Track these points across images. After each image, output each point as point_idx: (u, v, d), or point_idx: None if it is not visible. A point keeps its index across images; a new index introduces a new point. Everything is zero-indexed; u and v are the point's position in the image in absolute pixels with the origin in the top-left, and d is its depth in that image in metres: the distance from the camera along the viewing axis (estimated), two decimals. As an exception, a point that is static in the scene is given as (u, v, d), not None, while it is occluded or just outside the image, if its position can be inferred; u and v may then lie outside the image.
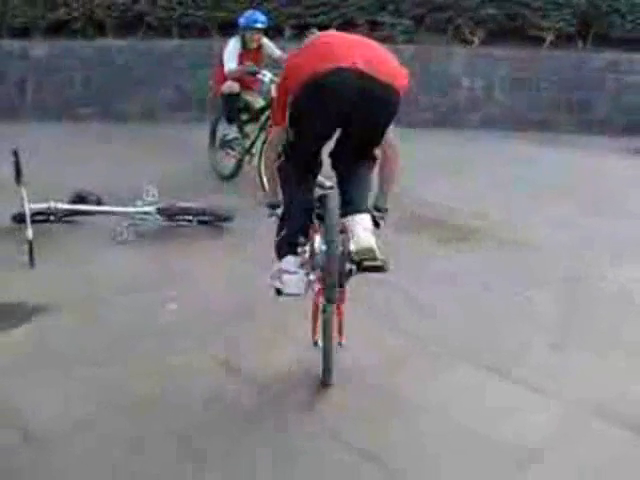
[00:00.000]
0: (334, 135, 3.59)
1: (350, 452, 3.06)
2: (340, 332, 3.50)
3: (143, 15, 10.80)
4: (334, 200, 3.35)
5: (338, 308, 3.44)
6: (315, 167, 3.72)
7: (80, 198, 5.85)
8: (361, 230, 3.35)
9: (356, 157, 3.61)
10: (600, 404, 3.41)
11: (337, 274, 3.24)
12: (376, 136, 3.54)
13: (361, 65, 3.27)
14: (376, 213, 3.57)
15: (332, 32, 4.33)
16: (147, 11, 10.74)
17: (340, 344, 3.49)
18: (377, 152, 3.62)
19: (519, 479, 2.95)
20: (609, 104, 10.33)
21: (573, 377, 3.68)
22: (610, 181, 7.68)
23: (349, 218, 3.40)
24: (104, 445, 3.10)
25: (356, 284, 3.60)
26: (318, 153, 3.67)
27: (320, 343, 3.50)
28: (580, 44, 10.62)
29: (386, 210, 3.64)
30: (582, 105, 10.37)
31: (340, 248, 3.27)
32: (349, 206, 3.43)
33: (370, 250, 3.31)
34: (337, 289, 3.27)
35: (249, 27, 6.86)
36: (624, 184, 7.56)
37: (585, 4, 10.39)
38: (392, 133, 3.55)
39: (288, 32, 10.55)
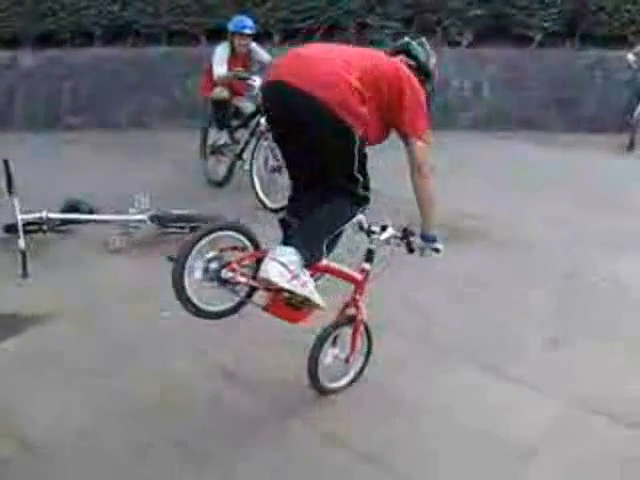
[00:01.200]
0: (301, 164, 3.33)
1: (351, 454, 3.07)
2: None
3: (131, 23, 10.79)
4: None
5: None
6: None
7: (72, 207, 5.83)
8: (267, 260, 3.07)
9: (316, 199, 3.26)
10: (598, 401, 3.42)
11: None
12: (324, 159, 3.17)
13: (287, 76, 3.08)
14: (423, 243, 3.39)
15: (314, 44, 3.98)
16: (135, 19, 10.73)
17: None
18: (352, 187, 3.21)
19: (519, 476, 2.96)
20: (597, 102, 10.38)
21: (571, 374, 3.70)
22: (601, 178, 7.72)
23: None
24: (104, 452, 3.10)
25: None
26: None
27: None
28: (567, 43, 10.67)
29: (433, 239, 3.38)
30: (571, 103, 10.42)
31: None
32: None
33: (267, 281, 3.06)
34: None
35: (238, 32, 6.86)
36: (615, 180, 7.60)
37: (571, 3, 10.44)
38: (421, 151, 3.22)
39: (277, 37, 10.56)
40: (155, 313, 4.38)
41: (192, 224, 5.68)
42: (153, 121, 10.34)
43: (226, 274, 3.07)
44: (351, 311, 3.44)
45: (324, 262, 3.33)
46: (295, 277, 3.06)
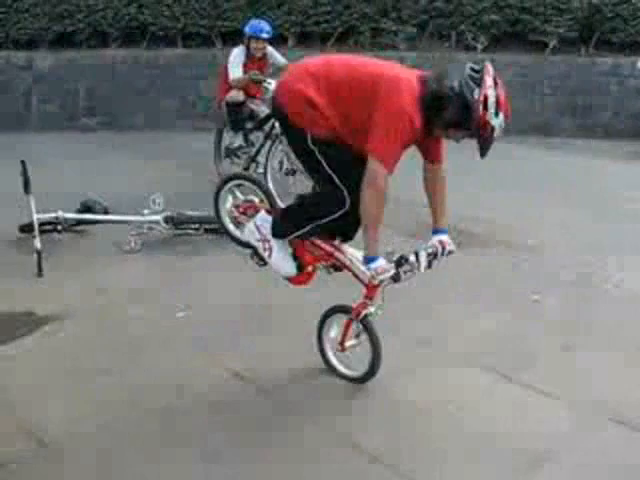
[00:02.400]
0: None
1: (361, 456, 3.07)
2: None
3: (147, 25, 10.86)
4: None
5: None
6: None
7: (87, 208, 5.87)
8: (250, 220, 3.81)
9: None
10: (611, 408, 3.41)
11: None
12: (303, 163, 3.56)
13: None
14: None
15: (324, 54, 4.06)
16: (151, 21, 10.80)
17: None
18: (329, 185, 3.32)
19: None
20: (612, 108, 10.36)
21: (582, 380, 3.68)
22: (615, 185, 7.70)
23: None
24: (118, 450, 3.12)
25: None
26: None
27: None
28: (583, 49, 10.65)
29: (371, 260, 3.26)
30: (585, 109, 10.40)
31: None
32: None
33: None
34: None
35: (255, 36, 6.88)
36: (628, 188, 7.57)
37: (587, 9, 10.42)
38: (371, 170, 3.12)
39: (291, 41, 10.60)
40: (170, 314, 4.42)
41: (206, 225, 5.72)
42: (168, 123, 10.40)
43: (232, 212, 4.00)
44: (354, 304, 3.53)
45: (329, 248, 3.57)
46: (263, 240, 3.65)
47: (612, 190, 7.42)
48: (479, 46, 10.41)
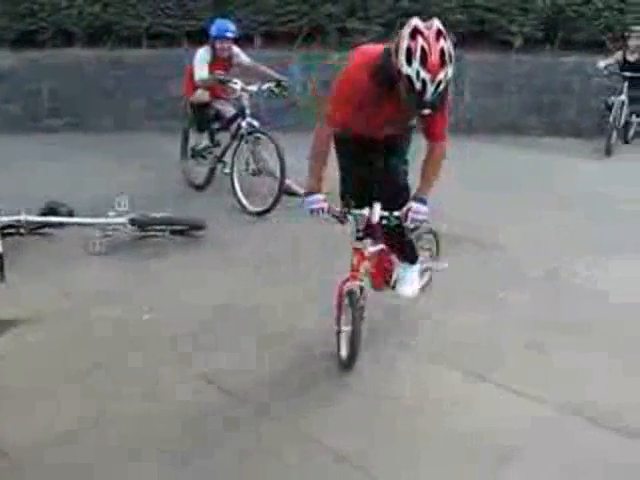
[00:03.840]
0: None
1: (330, 455, 3.07)
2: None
3: (112, 25, 10.72)
4: None
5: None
6: None
7: (51, 210, 5.78)
8: None
9: None
10: (578, 404, 3.44)
11: None
12: None
13: None
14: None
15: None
16: (116, 20, 10.67)
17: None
18: None
19: (495, 477, 2.96)
20: (577, 107, 10.49)
21: (552, 378, 3.71)
22: (580, 181, 7.81)
23: None
24: (87, 457, 3.07)
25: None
26: None
27: (346, 327, 3.68)
28: (548, 48, 10.76)
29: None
30: (551, 108, 10.52)
31: None
32: None
33: None
34: None
35: (220, 36, 6.84)
36: (593, 184, 7.69)
37: (551, 9, 10.54)
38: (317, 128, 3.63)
39: (258, 40, 10.55)
40: (136, 316, 4.38)
41: (172, 227, 5.68)
42: (135, 123, 10.28)
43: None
44: None
45: None
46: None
47: (580, 188, 7.50)
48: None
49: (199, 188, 7.22)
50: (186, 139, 7.39)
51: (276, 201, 6.29)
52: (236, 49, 7.07)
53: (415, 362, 3.86)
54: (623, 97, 9.47)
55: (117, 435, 3.23)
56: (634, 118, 9.86)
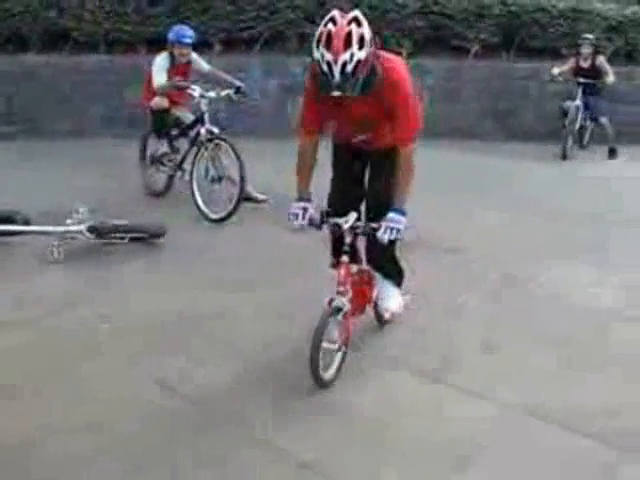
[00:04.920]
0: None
1: (289, 461, 3.07)
2: None
3: (69, 30, 10.59)
4: None
5: None
6: None
7: (7, 218, 5.69)
8: None
9: None
10: (534, 405, 3.49)
11: None
12: None
13: None
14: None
15: None
16: (73, 26, 10.54)
17: None
18: None
19: (456, 479, 2.99)
20: (533, 112, 10.66)
21: (507, 379, 3.76)
22: (536, 186, 7.94)
23: None
24: (42, 467, 3.03)
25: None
26: None
27: (327, 345, 3.55)
28: (504, 54, 10.92)
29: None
30: (507, 113, 10.68)
31: None
32: None
33: None
34: None
35: (178, 42, 6.81)
36: (550, 188, 7.84)
37: (507, 16, 10.69)
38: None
39: (217, 47, 10.53)
40: (94, 324, 4.33)
41: (131, 234, 5.63)
42: (92, 130, 10.18)
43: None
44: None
45: None
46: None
47: (537, 192, 7.63)
48: (403, 51, 10.53)
49: (158, 195, 7.18)
50: (145, 146, 7.33)
51: (236, 207, 6.27)
52: (194, 55, 7.04)
53: (372, 366, 3.87)
54: (578, 102, 9.66)
55: (70, 443, 3.18)
56: (588, 123, 10.06)
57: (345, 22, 3.26)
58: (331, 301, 3.55)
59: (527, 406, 3.50)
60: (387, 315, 4.19)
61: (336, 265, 3.75)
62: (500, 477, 3.02)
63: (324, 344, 3.49)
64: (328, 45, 3.23)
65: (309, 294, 4.00)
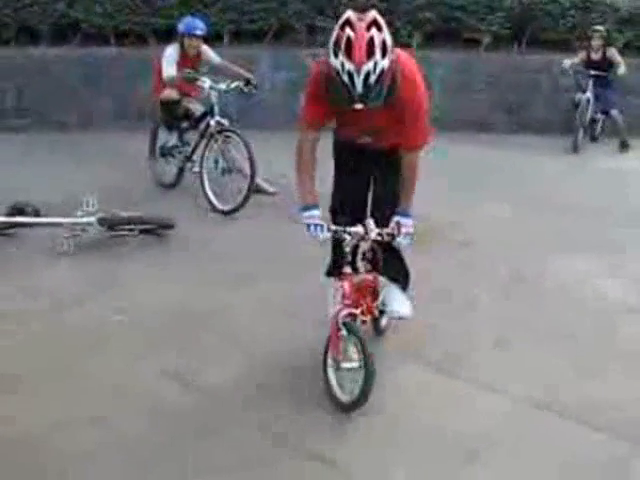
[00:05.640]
0: None
1: (299, 455, 3.08)
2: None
3: (79, 23, 10.61)
4: None
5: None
6: None
7: (17, 210, 5.72)
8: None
9: None
10: (547, 398, 3.49)
11: None
12: None
13: None
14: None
15: None
16: (83, 18, 10.55)
17: None
18: None
19: (467, 473, 2.99)
20: (545, 105, 10.59)
21: (520, 373, 3.75)
22: (548, 179, 7.90)
23: None
24: (51, 458, 3.04)
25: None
26: None
27: (347, 364, 3.34)
28: (515, 47, 10.86)
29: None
30: (519, 106, 10.61)
31: None
32: None
33: None
34: None
35: (188, 34, 6.80)
36: (561, 181, 7.80)
37: (519, 7, 10.63)
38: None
39: (226, 38, 10.51)
40: (106, 317, 4.34)
41: (141, 226, 5.63)
42: (102, 123, 10.19)
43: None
44: None
45: None
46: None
47: (548, 185, 7.59)
48: (414, 43, 10.49)
49: (168, 187, 7.18)
50: (155, 138, 7.33)
51: (245, 200, 6.27)
52: (205, 47, 7.03)
53: (385, 359, 3.85)
54: (589, 95, 9.59)
55: (83, 435, 3.19)
56: (599, 115, 9.99)
57: (364, 26, 2.98)
58: (342, 319, 3.35)
59: (539, 400, 3.49)
60: (399, 318, 3.93)
61: (339, 275, 3.54)
62: (510, 471, 3.01)
63: (344, 364, 3.34)
64: (349, 53, 2.96)
65: (317, 290, 3.98)
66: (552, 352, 3.98)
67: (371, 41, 2.97)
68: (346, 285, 3.43)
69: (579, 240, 5.77)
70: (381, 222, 3.48)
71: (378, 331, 4.00)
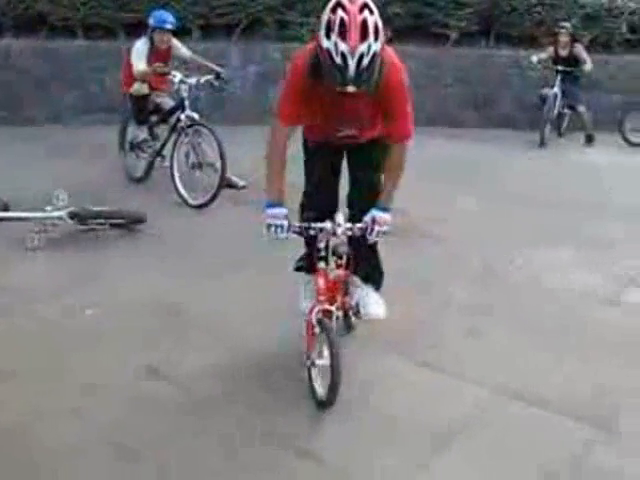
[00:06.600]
0: None
1: (281, 446, 3.09)
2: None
3: (44, 15, 10.45)
4: None
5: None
6: None
7: (-15, 205, 5.66)
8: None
9: None
10: (517, 387, 3.54)
11: None
12: None
13: None
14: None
15: None
16: (49, 10, 10.39)
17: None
18: None
19: (436, 461, 3.03)
20: (513, 100, 10.72)
21: (491, 363, 3.81)
22: (518, 173, 8.01)
23: None
24: (34, 453, 3.03)
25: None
26: None
27: (320, 361, 3.30)
28: (483, 42, 10.97)
29: None
30: (487, 101, 10.72)
31: None
32: None
33: None
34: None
35: (159, 27, 6.77)
36: (531, 175, 7.91)
37: (486, 3, 10.74)
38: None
39: (196, 33, 10.47)
40: (78, 311, 4.31)
41: (112, 220, 5.60)
42: (71, 117, 10.10)
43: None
44: None
45: None
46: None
47: (516, 179, 7.69)
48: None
49: (138, 181, 7.15)
50: (124, 132, 7.29)
51: (216, 194, 6.27)
52: (175, 41, 7.01)
53: (361, 347, 3.89)
54: (556, 90, 9.74)
55: (66, 431, 3.18)
56: (566, 110, 10.14)
57: (357, 9, 2.93)
58: (316, 315, 3.30)
59: (510, 389, 3.54)
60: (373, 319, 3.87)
61: (312, 270, 3.54)
62: (486, 459, 3.05)
63: (316, 361, 3.32)
64: (342, 34, 2.89)
65: (292, 279, 4.01)
66: (523, 343, 4.04)
67: (364, 23, 2.92)
68: (321, 281, 3.38)
69: (550, 233, 5.87)
70: (359, 218, 3.40)
71: (349, 327, 3.97)
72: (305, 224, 3.34)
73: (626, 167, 8.64)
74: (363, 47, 2.91)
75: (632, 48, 11.21)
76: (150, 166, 7.08)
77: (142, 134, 7.13)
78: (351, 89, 2.98)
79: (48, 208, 5.48)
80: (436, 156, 8.39)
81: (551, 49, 10.01)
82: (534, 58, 9.88)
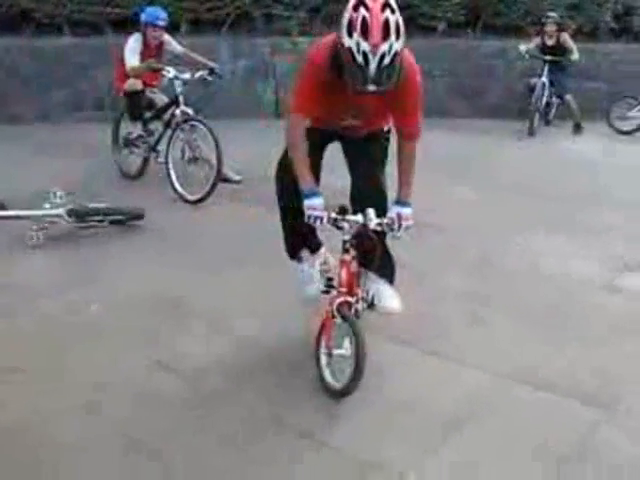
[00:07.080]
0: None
1: (287, 432, 3.13)
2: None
3: (30, 12, 10.38)
4: None
5: None
6: None
7: (-18, 204, 5.64)
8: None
9: None
10: (523, 372, 3.61)
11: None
12: None
13: None
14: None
15: None
16: (34, 7, 10.32)
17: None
18: None
19: (445, 446, 3.07)
20: (501, 89, 10.80)
21: (494, 348, 3.88)
22: (509, 162, 8.09)
23: None
24: (43, 449, 3.04)
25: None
26: None
27: (339, 351, 3.32)
28: (470, 33, 11.02)
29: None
30: (475, 91, 10.79)
31: None
32: None
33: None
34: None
35: (151, 24, 6.77)
36: (522, 164, 7.99)
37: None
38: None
39: (184, 27, 10.45)
40: (82, 308, 4.32)
41: (111, 217, 5.61)
42: (59, 114, 10.04)
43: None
44: None
45: None
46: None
47: (506, 168, 7.77)
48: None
49: (133, 178, 7.15)
50: (117, 128, 7.28)
51: (212, 188, 6.28)
52: (167, 37, 7.02)
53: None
54: (544, 79, 9.83)
55: (66, 426, 3.19)
56: (554, 99, 10.23)
57: (379, 7, 2.95)
58: (337, 306, 3.32)
59: (514, 374, 3.60)
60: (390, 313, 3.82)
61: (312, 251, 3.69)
62: (491, 443, 3.11)
63: (336, 351, 3.33)
64: (364, 33, 2.91)
65: (289, 274, 4.04)
66: (524, 328, 4.11)
67: (386, 22, 2.95)
68: (344, 272, 3.39)
69: (545, 221, 5.95)
70: (361, 210, 3.38)
71: (357, 317, 4.01)
72: (340, 216, 3.30)
73: (615, 154, 8.75)
74: (385, 46, 2.93)
75: (617, 37, 11.32)
76: (144, 162, 7.08)
77: (136, 130, 7.13)
78: (372, 88, 3.02)
79: (46, 206, 5.47)
80: (427, 146, 8.39)
81: (538, 39, 10.09)
82: (522, 48, 9.96)
